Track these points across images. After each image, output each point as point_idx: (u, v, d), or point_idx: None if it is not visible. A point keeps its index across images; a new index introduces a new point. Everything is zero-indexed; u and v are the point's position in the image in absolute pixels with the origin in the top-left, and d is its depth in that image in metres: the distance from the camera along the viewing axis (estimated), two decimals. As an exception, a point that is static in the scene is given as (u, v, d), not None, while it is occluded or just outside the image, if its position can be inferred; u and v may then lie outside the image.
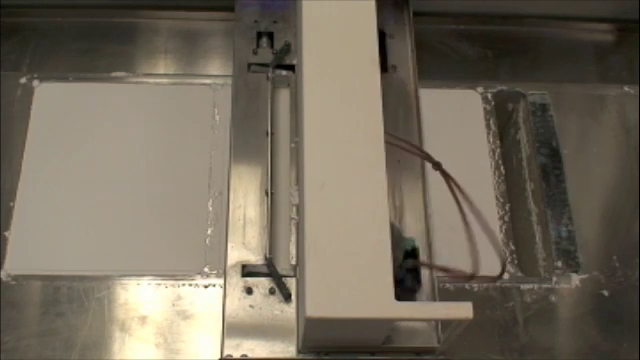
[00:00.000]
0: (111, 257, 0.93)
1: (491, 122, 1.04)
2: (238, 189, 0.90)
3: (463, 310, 0.74)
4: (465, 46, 1.12)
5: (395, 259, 0.77)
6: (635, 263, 0.97)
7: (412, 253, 0.84)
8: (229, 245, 0.87)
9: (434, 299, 0.85)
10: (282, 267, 0.86)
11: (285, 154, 0.93)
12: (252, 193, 0.90)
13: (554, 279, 0.95)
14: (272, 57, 0.98)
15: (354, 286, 0.74)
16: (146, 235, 0.95)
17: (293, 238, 0.88)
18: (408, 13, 1.03)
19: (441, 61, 1.10)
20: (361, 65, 0.85)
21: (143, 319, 0.90)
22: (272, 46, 1.00)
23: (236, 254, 0.87)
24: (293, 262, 0.87)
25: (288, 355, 0.82)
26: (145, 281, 0.92)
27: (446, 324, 0.81)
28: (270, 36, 1.00)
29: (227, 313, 0.83)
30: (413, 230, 0.89)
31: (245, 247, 0.87)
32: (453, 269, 0.85)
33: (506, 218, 0.98)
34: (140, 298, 0.91)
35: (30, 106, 1.02)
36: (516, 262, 0.95)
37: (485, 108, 1.05)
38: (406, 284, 0.83)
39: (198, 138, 1.00)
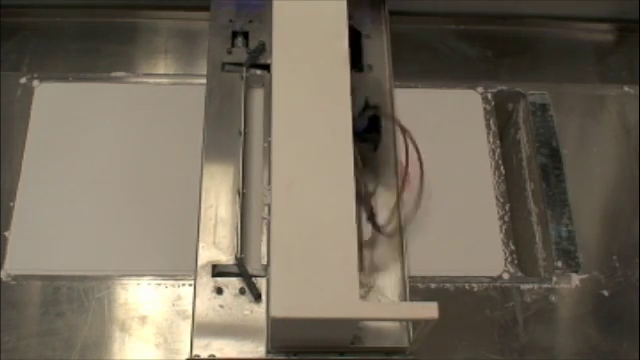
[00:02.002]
0: (111, 257, 0.93)
1: (491, 122, 1.04)
2: (210, 188, 0.90)
3: (428, 310, 0.73)
4: (465, 46, 1.12)
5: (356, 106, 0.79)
6: (635, 263, 0.97)
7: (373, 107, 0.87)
8: (200, 245, 0.87)
9: (405, 299, 0.85)
10: (253, 267, 0.86)
11: (258, 153, 0.93)
12: (224, 193, 0.90)
13: (554, 279, 0.95)
14: (246, 57, 0.98)
15: (319, 286, 0.73)
16: (146, 235, 0.95)
17: (264, 238, 0.88)
18: (384, 13, 1.03)
19: (441, 61, 1.10)
20: (331, 65, 0.85)
21: (143, 319, 0.90)
22: (247, 46, 1.00)
23: (207, 254, 0.87)
24: (264, 262, 0.86)
25: (257, 355, 0.82)
26: (145, 281, 0.92)
27: (416, 324, 0.81)
28: (245, 36, 1.01)
29: (197, 313, 0.83)
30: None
31: (216, 247, 0.87)
32: (411, 135, 0.87)
33: (506, 218, 0.98)
34: (140, 298, 0.91)
35: (30, 106, 1.02)
36: (516, 262, 0.95)
37: (485, 108, 1.05)
38: (367, 133, 0.86)
39: (198, 138, 1.00)
